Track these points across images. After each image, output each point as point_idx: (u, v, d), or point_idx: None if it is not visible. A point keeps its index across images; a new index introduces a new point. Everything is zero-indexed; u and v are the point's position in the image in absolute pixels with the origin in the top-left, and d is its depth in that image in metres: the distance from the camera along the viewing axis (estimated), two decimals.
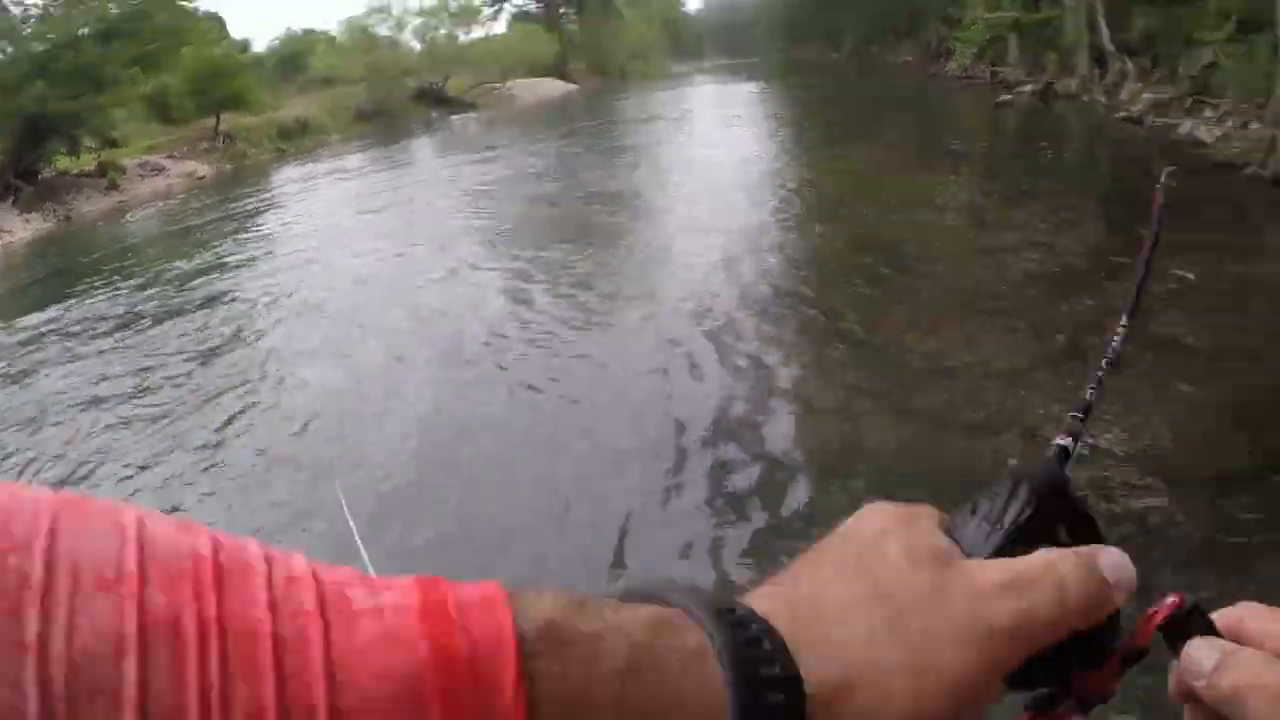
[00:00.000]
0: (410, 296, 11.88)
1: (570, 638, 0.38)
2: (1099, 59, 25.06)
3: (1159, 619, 0.48)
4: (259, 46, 69.95)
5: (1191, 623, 0.49)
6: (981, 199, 13.36)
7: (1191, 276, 8.51)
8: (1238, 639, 0.50)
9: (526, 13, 76.52)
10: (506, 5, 76.65)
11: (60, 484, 7.78)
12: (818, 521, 5.29)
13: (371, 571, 0.39)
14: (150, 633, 0.30)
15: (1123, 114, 21.12)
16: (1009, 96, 28.20)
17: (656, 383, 7.84)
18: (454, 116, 51.88)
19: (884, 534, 0.47)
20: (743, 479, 6.18)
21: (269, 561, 0.35)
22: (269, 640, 0.32)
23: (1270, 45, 14.95)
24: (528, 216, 16.56)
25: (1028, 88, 29.23)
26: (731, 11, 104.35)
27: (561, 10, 77.42)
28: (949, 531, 0.49)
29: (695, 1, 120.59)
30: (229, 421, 8.70)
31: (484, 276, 12.18)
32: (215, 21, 56.99)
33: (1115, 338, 0.58)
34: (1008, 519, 0.48)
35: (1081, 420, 0.56)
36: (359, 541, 4.09)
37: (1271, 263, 9.57)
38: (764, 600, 0.45)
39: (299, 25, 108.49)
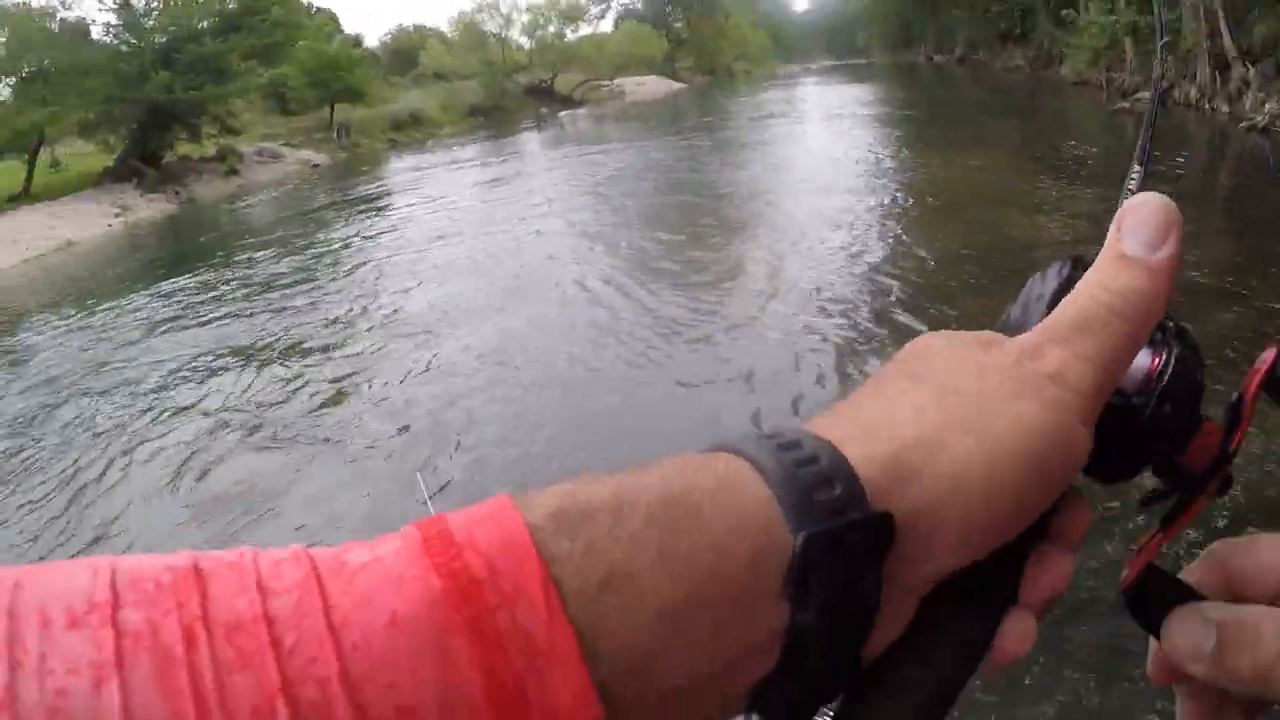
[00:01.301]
0: (535, 277, 12.03)
1: (587, 509, 0.34)
2: (1220, 65, 23.49)
3: (1258, 378, 0.45)
4: (371, 41, 71.53)
5: (1160, 588, 0.45)
6: (1102, 208, 12.64)
7: None
8: (1230, 587, 0.45)
9: (633, 11, 76.32)
10: (613, 4, 76.72)
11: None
12: None
13: None
14: (129, 653, 0.28)
15: (1246, 123, 19.78)
16: (1126, 104, 26.47)
17: (773, 376, 7.67)
18: (563, 113, 51.58)
19: (926, 344, 0.44)
20: None
21: (256, 557, 0.32)
22: (261, 623, 0.29)
23: None
24: (652, 206, 16.58)
25: (1145, 95, 27.80)
26: (839, 13, 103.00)
27: (668, 9, 77.03)
28: (1005, 326, 0.46)
29: (802, 2, 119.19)
30: (336, 391, 8.96)
31: (613, 261, 12.14)
32: (329, 16, 58.03)
33: (1133, 181, 0.53)
34: (1048, 288, 0.46)
35: None
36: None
37: None
38: (804, 423, 0.40)
39: (409, 21, 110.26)
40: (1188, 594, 0.44)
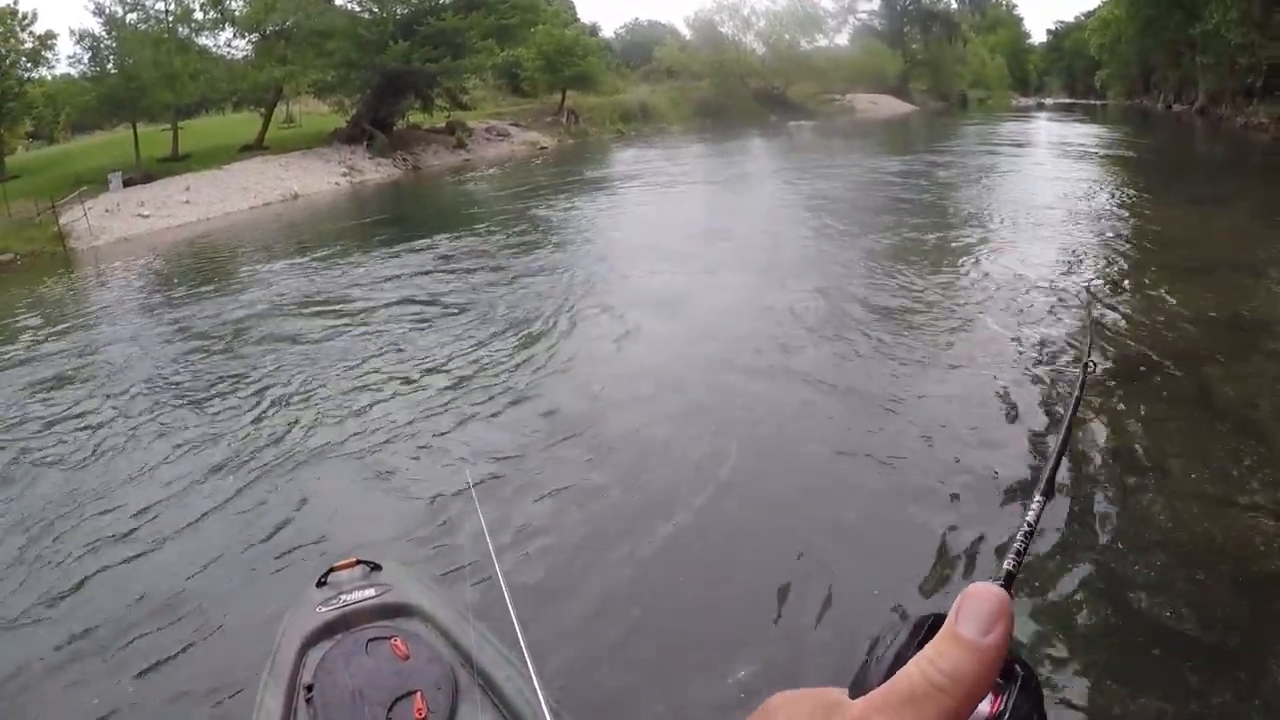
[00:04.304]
0: (746, 300, 11.25)
1: None
2: None
3: None
4: (607, 32, 71.66)
5: None
6: None
7: None
8: None
9: (870, 28, 73.99)
10: (851, 18, 74.55)
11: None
12: None
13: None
14: None
15: None
16: None
17: (977, 435, 6.71)
18: (791, 122, 49.87)
19: (773, 710, 0.47)
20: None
21: None
22: None
23: None
24: (883, 232, 15.53)
25: None
26: (1079, 50, 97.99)
27: (906, 29, 74.36)
28: (853, 685, 0.47)
29: (1042, 34, 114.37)
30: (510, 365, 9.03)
31: (831, 292, 11.10)
32: (567, 4, 58.07)
33: (1031, 511, 0.55)
34: (891, 651, 0.47)
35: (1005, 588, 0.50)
36: (484, 523, 3.83)
37: None
38: None
39: (645, 16, 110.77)
40: None
